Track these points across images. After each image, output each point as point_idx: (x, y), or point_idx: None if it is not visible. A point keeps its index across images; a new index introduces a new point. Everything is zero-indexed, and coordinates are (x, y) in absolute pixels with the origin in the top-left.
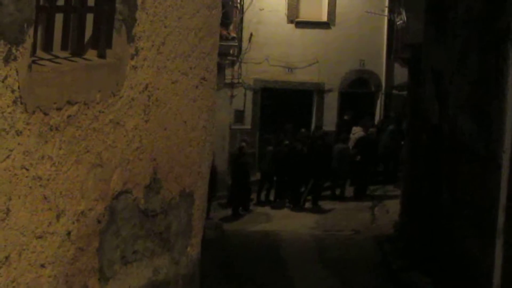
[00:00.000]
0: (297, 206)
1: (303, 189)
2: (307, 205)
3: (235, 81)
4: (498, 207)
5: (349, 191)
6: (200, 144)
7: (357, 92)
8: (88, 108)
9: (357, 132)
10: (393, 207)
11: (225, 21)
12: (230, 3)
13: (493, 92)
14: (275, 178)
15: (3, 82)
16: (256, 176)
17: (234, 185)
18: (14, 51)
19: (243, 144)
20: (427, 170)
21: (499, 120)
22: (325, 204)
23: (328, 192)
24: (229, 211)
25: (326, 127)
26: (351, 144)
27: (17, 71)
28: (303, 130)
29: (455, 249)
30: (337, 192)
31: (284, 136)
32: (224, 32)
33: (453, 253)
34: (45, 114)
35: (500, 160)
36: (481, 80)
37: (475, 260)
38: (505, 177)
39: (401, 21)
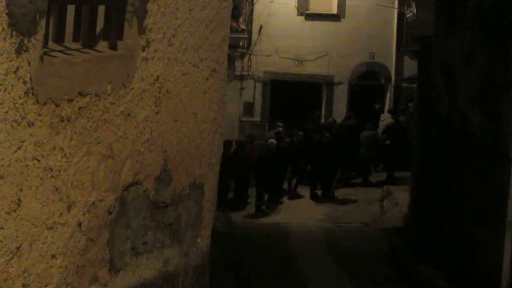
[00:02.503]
0: (316, 196)
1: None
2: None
3: (245, 73)
4: (508, 200)
5: (377, 176)
6: (210, 136)
7: (367, 84)
8: (99, 99)
9: (385, 118)
10: (402, 199)
11: (235, 13)
12: None
13: (502, 85)
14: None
15: (15, 73)
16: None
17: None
18: (26, 42)
19: (280, 129)
20: (437, 163)
21: (508, 113)
22: (351, 193)
23: (357, 180)
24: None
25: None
26: (380, 130)
27: (29, 62)
28: (331, 119)
29: (464, 241)
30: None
31: (310, 123)
32: (234, 24)
33: (462, 245)
34: (57, 105)
35: (509, 153)
36: (490, 73)
37: (484, 252)
38: None
39: (411, 14)
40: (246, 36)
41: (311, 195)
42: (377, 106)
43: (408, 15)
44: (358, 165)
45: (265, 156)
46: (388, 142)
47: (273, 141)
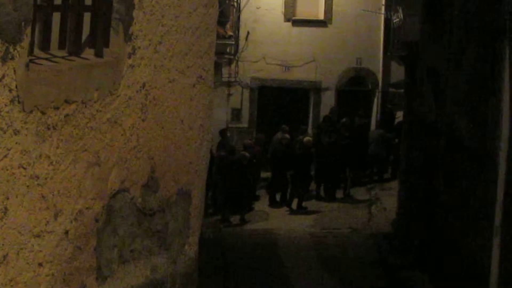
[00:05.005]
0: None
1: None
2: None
3: (232, 79)
4: (495, 205)
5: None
6: (197, 142)
7: (354, 90)
8: (85, 107)
9: (399, 116)
10: (390, 205)
11: (222, 20)
12: (227, 1)
13: (489, 90)
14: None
15: (0, 81)
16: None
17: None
18: (11, 50)
19: (286, 135)
20: (424, 168)
21: (495, 118)
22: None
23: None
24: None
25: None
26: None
27: (14, 70)
28: (343, 120)
29: (453, 246)
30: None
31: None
32: (221, 31)
33: (450, 250)
34: (43, 113)
35: (496, 158)
36: (477, 78)
37: (473, 257)
38: (501, 175)
39: (398, 19)
40: (233, 42)
41: (316, 196)
42: (389, 106)
43: (394, 21)
44: (368, 163)
45: (305, 154)
46: (396, 140)
47: (309, 138)
